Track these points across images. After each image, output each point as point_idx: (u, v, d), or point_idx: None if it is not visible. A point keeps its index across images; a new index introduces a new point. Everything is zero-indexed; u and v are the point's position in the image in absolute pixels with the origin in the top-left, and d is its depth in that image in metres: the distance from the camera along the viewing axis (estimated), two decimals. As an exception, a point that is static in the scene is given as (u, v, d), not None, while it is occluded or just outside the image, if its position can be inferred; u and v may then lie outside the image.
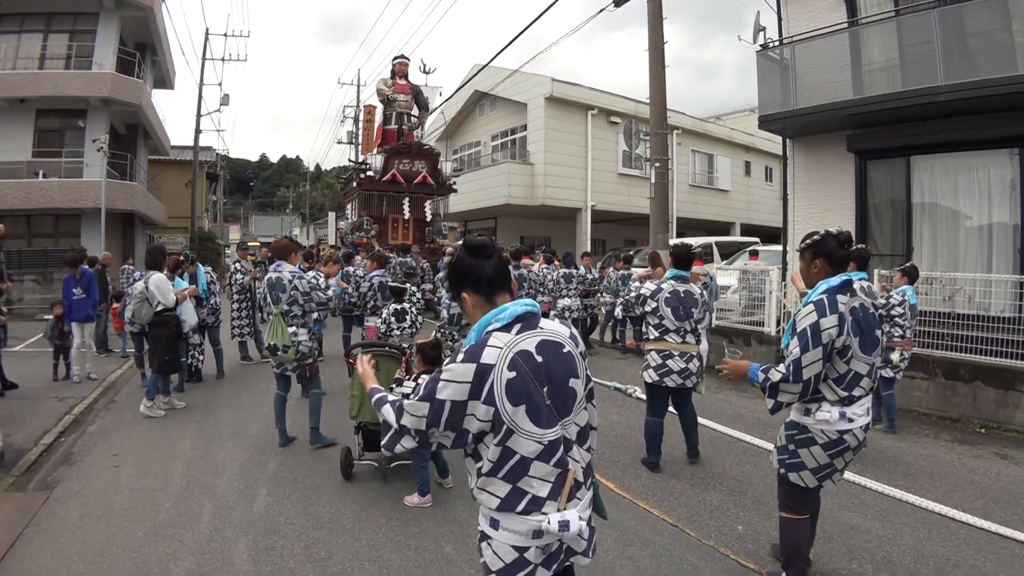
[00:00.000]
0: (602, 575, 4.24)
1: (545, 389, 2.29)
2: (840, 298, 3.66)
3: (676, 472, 6.26)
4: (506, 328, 2.33)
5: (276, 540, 4.74)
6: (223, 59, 34.96)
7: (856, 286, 3.87)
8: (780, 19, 13.77)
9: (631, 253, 17.15)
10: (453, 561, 4.44)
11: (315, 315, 7.04)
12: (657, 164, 13.89)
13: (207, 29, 49.77)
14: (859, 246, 6.60)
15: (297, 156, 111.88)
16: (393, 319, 7.83)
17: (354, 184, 19.41)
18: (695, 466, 6.42)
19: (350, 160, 25.08)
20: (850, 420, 3.70)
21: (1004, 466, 6.67)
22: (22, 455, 6.68)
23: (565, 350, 2.39)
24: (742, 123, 35.31)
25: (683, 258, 6.38)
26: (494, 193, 25.55)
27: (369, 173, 18.33)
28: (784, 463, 3.90)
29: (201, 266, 10.65)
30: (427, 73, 22.07)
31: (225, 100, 33.99)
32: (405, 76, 19.87)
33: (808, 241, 3.85)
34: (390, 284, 8.56)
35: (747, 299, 12.44)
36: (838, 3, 12.58)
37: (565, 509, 2.30)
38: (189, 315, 8.75)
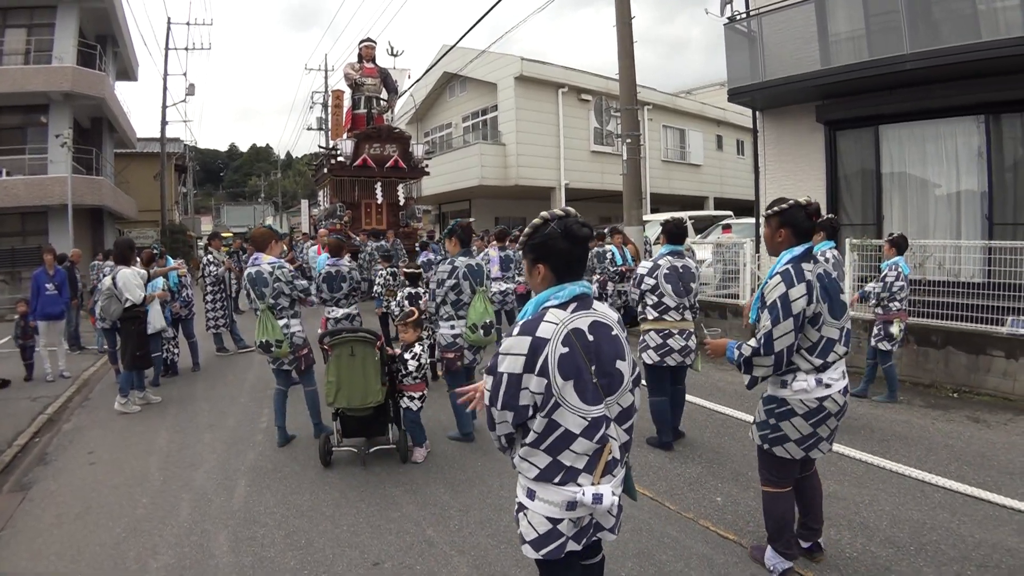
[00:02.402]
0: (583, 551, 4.26)
1: (593, 368, 2.40)
2: (805, 266, 3.61)
3: (654, 446, 6.29)
4: (562, 306, 2.44)
5: (256, 530, 4.72)
6: (187, 48, 34.48)
7: (825, 255, 3.82)
8: (747, -10, 13.69)
9: (605, 231, 17.12)
10: (434, 543, 4.44)
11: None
12: (629, 140, 13.85)
13: (169, 18, 49.06)
14: (829, 216, 6.59)
15: (267, 144, 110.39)
16: (406, 302, 7.82)
17: (325, 170, 19.21)
18: (681, 442, 6.42)
19: (320, 147, 24.78)
20: (827, 386, 3.66)
21: (976, 429, 6.75)
22: (-4, 456, 6.57)
23: (613, 333, 2.50)
24: (713, 97, 35.20)
25: (676, 233, 6.23)
26: (467, 175, 25.35)
27: (340, 159, 18.15)
28: (767, 438, 3.83)
29: (171, 259, 10.54)
30: (395, 56, 21.82)
31: (191, 90, 33.83)
32: (372, 59, 19.63)
33: (776, 208, 3.78)
34: (405, 270, 8.50)
35: (722, 272, 12.51)
36: (804, -28, 12.51)
37: (599, 483, 2.43)
38: (156, 319, 8.63)
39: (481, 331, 6.20)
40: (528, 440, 2.44)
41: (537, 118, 25.47)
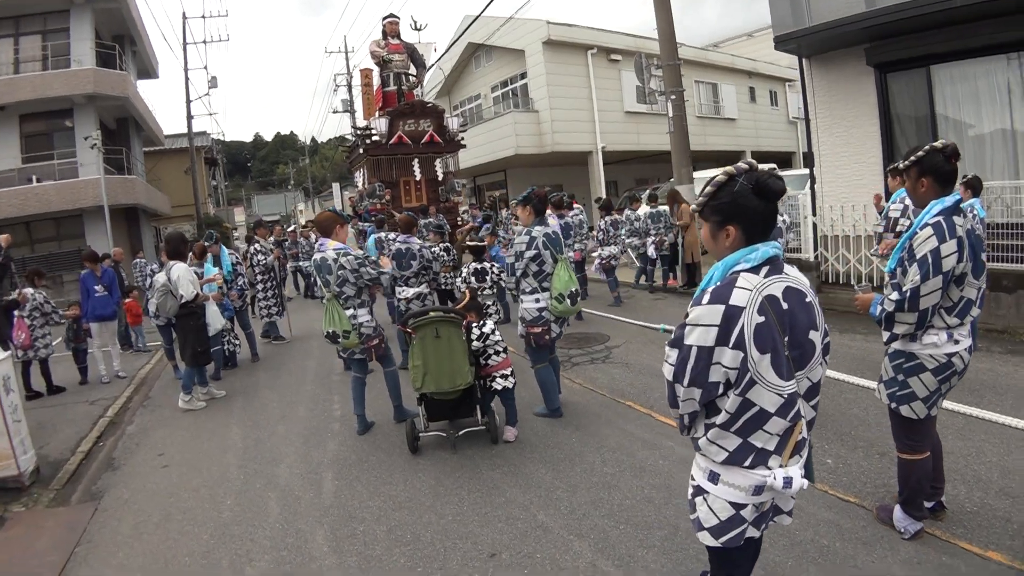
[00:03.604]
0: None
1: (786, 339, 2.14)
2: (957, 220, 3.33)
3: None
4: (754, 270, 2.18)
5: (355, 527, 4.40)
6: (204, 42, 34.27)
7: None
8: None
9: (653, 191, 16.77)
10: (549, 529, 4.12)
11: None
12: (673, 97, 13.42)
13: (184, 12, 48.84)
14: (973, 175, 6.26)
15: (291, 132, 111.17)
16: (473, 278, 7.48)
17: (360, 151, 18.92)
18: None
19: (354, 128, 24.56)
20: (956, 342, 3.43)
21: (1059, 376, 6.38)
22: (60, 466, 6.33)
23: (808, 299, 2.23)
24: (741, 48, 34.72)
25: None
26: (502, 145, 24.99)
27: (375, 138, 17.87)
28: (895, 396, 3.59)
29: (225, 248, 10.35)
30: (418, 30, 21.24)
31: (213, 83, 33.35)
32: (397, 35, 19.23)
33: (912, 158, 3.50)
34: (468, 243, 8.14)
35: (777, 226, 12.12)
36: (840, -92, 12.01)
37: (787, 465, 2.22)
38: (214, 319, 8.35)
39: (568, 300, 5.80)
40: (718, 420, 2.19)
41: (568, 82, 24.94)
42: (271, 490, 5.18)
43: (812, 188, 12.81)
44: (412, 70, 19.51)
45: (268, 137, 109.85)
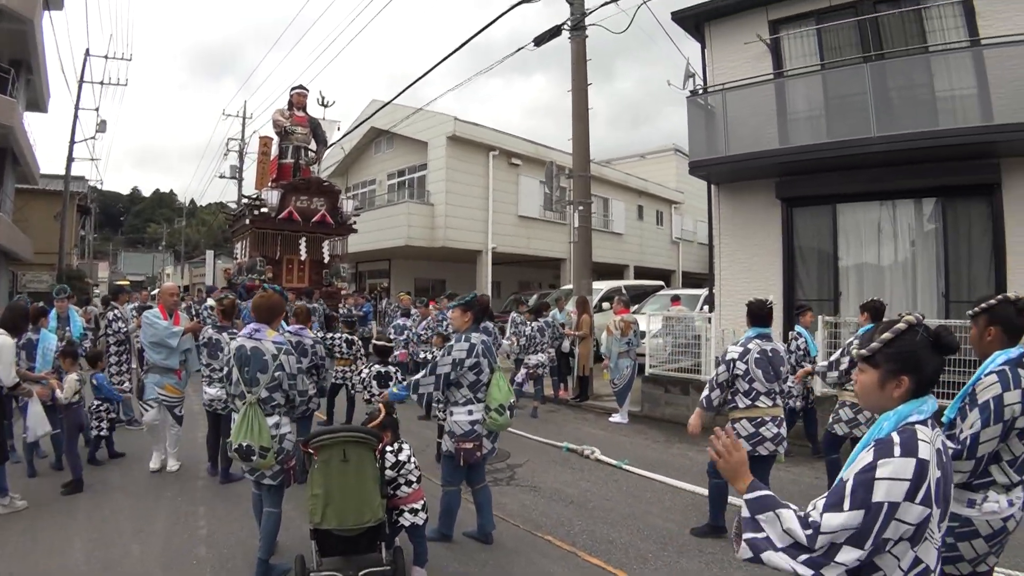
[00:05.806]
0: None
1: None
2: (1021, 372, 3.24)
3: (684, 548, 5.54)
4: (925, 423, 2.15)
5: None
6: (102, 82, 31.98)
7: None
8: (705, 67, 13.93)
9: (542, 298, 16.72)
10: None
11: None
12: (581, 207, 13.41)
13: (87, 49, 46.53)
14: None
15: (171, 191, 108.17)
16: (375, 383, 6.69)
17: (246, 221, 18.05)
18: (714, 540, 5.69)
19: (244, 196, 23.62)
20: (1011, 504, 3.26)
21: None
22: None
23: (951, 453, 2.28)
24: (633, 168, 36.42)
25: (761, 315, 5.85)
26: (393, 234, 24.71)
27: (263, 210, 17.09)
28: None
29: (73, 308, 9.30)
30: (325, 106, 20.91)
31: (102, 127, 31.35)
32: (304, 108, 18.84)
33: (983, 306, 3.46)
34: (375, 343, 7.43)
35: (672, 345, 12.12)
36: (764, 53, 12.85)
37: None
38: (37, 424, 6.73)
39: (508, 413, 5.43)
40: None
41: (467, 180, 25.27)
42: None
43: (711, 308, 13.04)
44: (313, 145, 19.09)
45: (147, 192, 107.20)
